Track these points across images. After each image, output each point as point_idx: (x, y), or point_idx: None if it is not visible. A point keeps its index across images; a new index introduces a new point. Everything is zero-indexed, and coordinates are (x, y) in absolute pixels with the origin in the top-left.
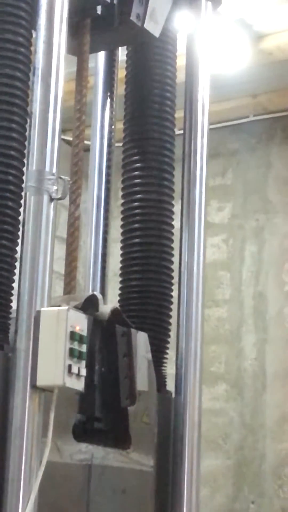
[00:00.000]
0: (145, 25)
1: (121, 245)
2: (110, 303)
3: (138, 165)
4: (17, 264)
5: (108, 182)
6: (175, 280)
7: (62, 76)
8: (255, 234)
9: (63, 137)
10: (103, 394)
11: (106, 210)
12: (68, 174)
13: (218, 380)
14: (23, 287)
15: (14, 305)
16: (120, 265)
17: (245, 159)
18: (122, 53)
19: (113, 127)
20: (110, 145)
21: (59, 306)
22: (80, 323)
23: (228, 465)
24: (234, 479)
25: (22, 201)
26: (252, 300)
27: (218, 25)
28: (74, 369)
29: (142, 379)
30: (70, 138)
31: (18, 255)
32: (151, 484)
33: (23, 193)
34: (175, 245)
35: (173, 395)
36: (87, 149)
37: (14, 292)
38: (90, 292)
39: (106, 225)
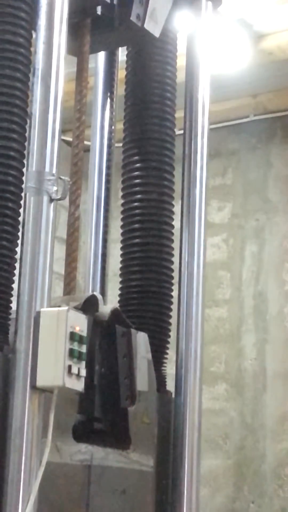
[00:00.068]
0: (145, 25)
1: (121, 245)
2: (110, 303)
3: (138, 165)
4: (17, 264)
5: (108, 182)
6: (175, 280)
7: (62, 77)
8: (255, 234)
9: (63, 137)
10: (103, 394)
11: (106, 211)
12: (68, 175)
13: (218, 380)
14: (23, 288)
15: (14, 305)
16: (120, 266)
17: (245, 159)
18: (122, 54)
19: (113, 127)
20: (110, 146)
21: (59, 306)
22: (80, 324)
23: (228, 465)
24: (234, 479)
25: (22, 202)
26: (252, 300)
27: (219, 25)
28: (74, 370)
29: (142, 379)
30: (70, 139)
31: (18, 256)
32: (151, 484)
33: (23, 194)
34: (175, 245)
35: (173, 395)
36: (87, 150)
37: (14, 292)
38: (90, 293)
39: (106, 226)
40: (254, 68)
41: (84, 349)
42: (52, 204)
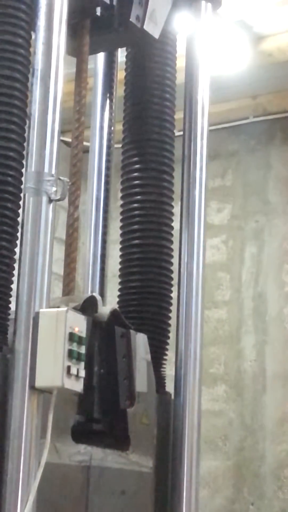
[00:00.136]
0: (144, 27)
1: (120, 246)
2: (109, 304)
3: (137, 166)
4: (16, 265)
5: (107, 183)
6: (174, 281)
7: (62, 77)
8: (255, 235)
9: (62, 138)
10: (102, 395)
11: (105, 211)
12: (67, 176)
13: (217, 381)
14: (22, 288)
15: (13, 306)
16: (119, 266)
17: (244, 160)
18: (121, 54)
19: (112, 128)
20: (109, 146)
21: (58, 307)
22: (79, 324)
23: (228, 466)
24: (233, 480)
25: (21, 202)
26: (252, 301)
27: (218, 26)
28: (73, 370)
29: (141, 381)
30: (69, 139)
31: (17, 256)
32: (150, 486)
33: (22, 194)
34: (175, 246)
35: (173, 396)
36: (86, 150)
37: (13, 293)
38: (89, 293)
39: (105, 226)
40: (254, 70)
41: (83, 349)
42: (51, 205)
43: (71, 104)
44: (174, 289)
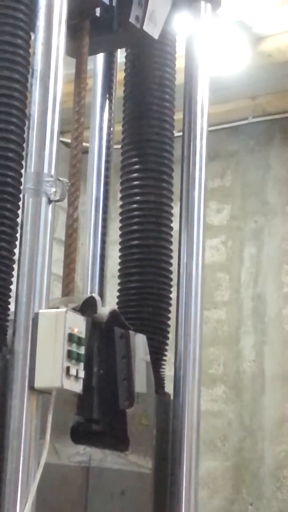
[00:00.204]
0: (144, 27)
1: (119, 247)
2: (108, 305)
3: (136, 167)
4: (16, 266)
5: (106, 184)
6: (174, 282)
7: (61, 78)
8: (254, 236)
9: (61, 139)
10: (101, 396)
11: (105, 212)
12: (67, 176)
13: (216, 382)
14: (21, 289)
15: (12, 307)
16: (119, 267)
17: (244, 160)
18: (121, 55)
19: (111, 129)
20: (108, 147)
21: (57, 308)
22: (78, 325)
23: (227, 467)
24: (232, 481)
25: (20, 203)
26: (251, 302)
27: (218, 27)
28: (72, 371)
29: (141, 381)
30: (69, 140)
31: (16, 257)
32: (150, 486)
33: (21, 195)
34: (174, 247)
35: (172, 397)
36: (85, 151)
37: (12, 294)
38: (89, 294)
39: (104, 227)
40: (253, 70)
41: (82, 350)
42: (50, 206)
43: (70, 105)
44: (174, 289)
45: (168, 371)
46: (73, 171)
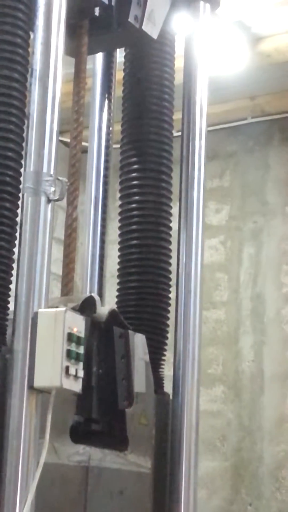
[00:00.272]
0: (143, 27)
1: (118, 246)
2: (107, 304)
3: (136, 166)
4: (15, 265)
5: (105, 183)
6: (173, 282)
7: (60, 78)
8: (253, 236)
9: (61, 138)
10: (100, 395)
11: (104, 212)
12: (66, 176)
13: (215, 382)
14: (20, 289)
15: (11, 306)
16: (118, 267)
17: (243, 161)
18: (120, 55)
19: (111, 128)
20: (108, 147)
21: (57, 307)
22: (78, 325)
23: (226, 467)
24: (231, 481)
25: (19, 203)
26: (250, 302)
27: (216, 27)
28: (72, 371)
29: (140, 381)
30: (68, 140)
31: (15, 256)
32: (149, 486)
33: (20, 195)
34: (173, 246)
35: (171, 397)
36: (85, 151)
37: (12, 293)
38: (88, 294)
39: (103, 227)
40: (252, 70)
41: (81, 350)
42: (50, 205)
43: (69, 104)
44: (173, 289)
45: (167, 371)
46: (72, 171)
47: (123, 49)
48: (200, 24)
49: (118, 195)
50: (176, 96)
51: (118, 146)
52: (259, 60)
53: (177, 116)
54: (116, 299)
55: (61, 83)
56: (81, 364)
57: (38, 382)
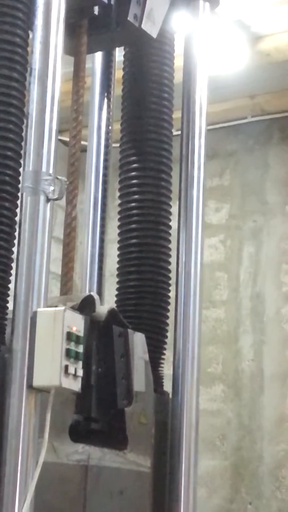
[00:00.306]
0: (142, 26)
1: (118, 245)
2: (107, 303)
3: (135, 165)
4: (14, 264)
5: (105, 182)
6: (172, 281)
7: (59, 77)
8: (253, 235)
9: (60, 137)
10: (100, 394)
11: (103, 211)
12: (65, 175)
13: (215, 381)
14: (19, 288)
15: (10, 305)
16: (117, 266)
17: (243, 160)
18: (119, 54)
19: (110, 127)
20: (107, 146)
21: (56, 306)
22: (77, 324)
23: (226, 466)
24: (231, 480)
25: (18, 202)
26: (250, 301)
27: (216, 26)
28: (71, 370)
29: (139, 380)
30: (67, 139)
31: (14, 256)
32: (148, 485)
33: (20, 194)
34: (173, 245)
35: (171, 396)
36: (84, 150)
37: (11, 292)
38: (87, 293)
39: (103, 226)
40: (252, 69)
41: (81, 349)
42: (49, 204)
43: (69, 104)
44: (172, 288)
45: (166, 369)
46: (71, 170)
47: (122, 48)
48: (199, 23)
49: (118, 194)
50: (175, 95)
51: (118, 145)
52: (258, 59)
53: (176, 115)
54: (115, 298)
55: (60, 82)
56: (80, 363)
57: (37, 381)
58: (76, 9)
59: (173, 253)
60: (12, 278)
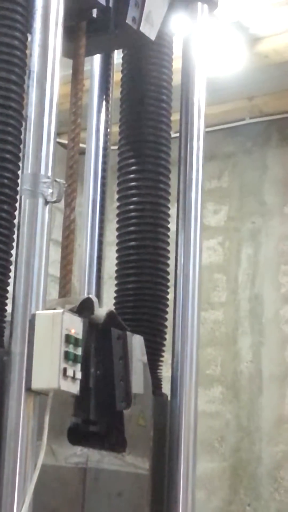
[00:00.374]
0: (140, 28)
1: (116, 248)
2: (105, 306)
3: (133, 168)
4: (12, 267)
5: (103, 185)
6: (171, 283)
7: (58, 79)
8: (251, 237)
9: (58, 140)
10: (98, 397)
11: (102, 213)
12: (64, 177)
13: (214, 383)
14: (18, 290)
15: (9, 308)
16: (116, 268)
17: (241, 161)
18: (117, 56)
19: (108, 130)
20: (105, 148)
21: (54, 309)
22: (75, 326)
23: (224, 468)
24: (230, 481)
25: (17, 204)
26: (248, 303)
27: (214, 27)
28: (69, 372)
29: (138, 382)
30: (66, 141)
31: (13, 258)
32: (147, 487)
33: (18, 196)
34: (171, 248)
35: (169, 398)
36: (82, 152)
37: (9, 295)
38: (86, 295)
39: (101, 228)
40: (250, 71)
41: (79, 351)
42: (47, 207)
43: (67, 106)
44: (171, 290)
45: (165, 372)
46: (70, 172)
47: (121, 50)
48: (198, 25)
49: (116, 196)
50: (174, 97)
51: (116, 147)
52: (257, 60)
53: (175, 117)
54: (114, 301)
55: (59, 85)
56: (78, 366)
57: (35, 384)
58: (75, 11)
59: (172, 255)
60: (11, 280)
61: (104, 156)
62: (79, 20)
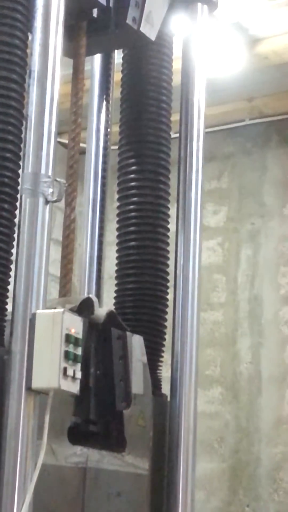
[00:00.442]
0: (141, 28)
1: (116, 248)
2: (105, 306)
3: (134, 168)
4: (13, 266)
5: (103, 185)
6: (170, 284)
7: (58, 79)
8: (251, 238)
9: (59, 139)
10: (98, 397)
11: (102, 213)
12: (64, 177)
13: (213, 383)
14: (18, 290)
15: (9, 307)
16: (116, 268)
17: (240, 162)
18: (118, 56)
19: (109, 130)
20: (106, 148)
21: (55, 308)
22: (76, 326)
23: (223, 469)
24: (229, 482)
25: (17, 204)
26: (248, 304)
27: (214, 28)
28: (69, 372)
29: (138, 382)
30: (66, 141)
31: (13, 258)
32: (146, 487)
33: (19, 196)
34: (171, 248)
35: (169, 398)
36: (83, 152)
37: (10, 294)
38: (86, 295)
39: (101, 228)
40: (250, 72)
41: (79, 351)
42: (48, 206)
43: (67, 106)
44: (170, 291)
45: (165, 372)
46: (70, 172)
47: (121, 50)
48: (198, 26)
49: (116, 196)
50: (174, 98)
51: (116, 147)
52: (256, 61)
53: (175, 117)
54: (114, 301)
55: (59, 85)
56: (79, 365)
57: (36, 384)
58: (75, 11)
59: (171, 255)
60: (11, 279)
61: (104, 156)
62: (79, 19)
